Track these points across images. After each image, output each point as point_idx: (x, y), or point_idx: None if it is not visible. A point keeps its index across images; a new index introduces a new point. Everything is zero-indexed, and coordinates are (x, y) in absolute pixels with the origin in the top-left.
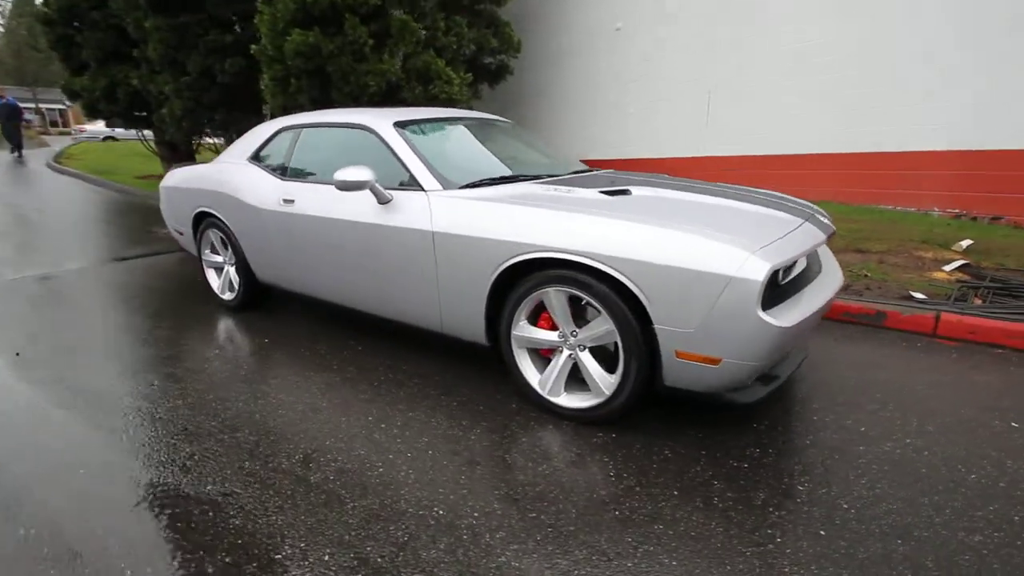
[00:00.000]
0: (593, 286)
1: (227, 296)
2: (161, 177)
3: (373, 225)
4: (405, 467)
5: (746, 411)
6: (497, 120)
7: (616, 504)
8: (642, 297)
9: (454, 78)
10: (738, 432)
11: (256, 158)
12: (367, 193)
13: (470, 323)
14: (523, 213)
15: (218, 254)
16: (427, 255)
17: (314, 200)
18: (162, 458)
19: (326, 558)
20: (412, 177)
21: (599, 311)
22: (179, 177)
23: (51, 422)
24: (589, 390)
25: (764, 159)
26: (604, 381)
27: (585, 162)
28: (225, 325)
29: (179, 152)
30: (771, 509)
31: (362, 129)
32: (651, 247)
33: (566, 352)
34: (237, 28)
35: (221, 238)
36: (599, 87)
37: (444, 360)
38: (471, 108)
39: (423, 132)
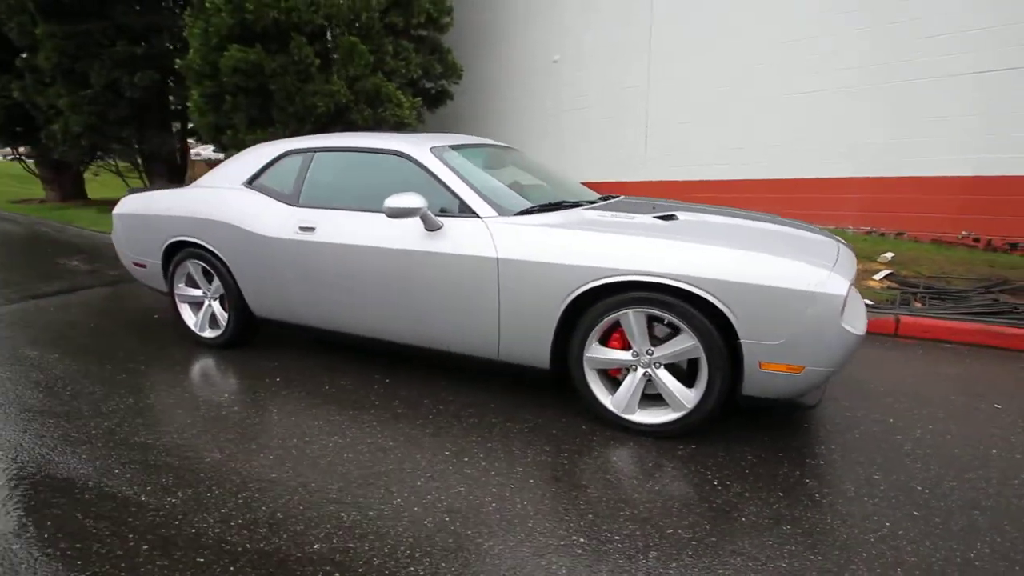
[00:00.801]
0: (676, 306)
1: (208, 333)
2: (42, 202)
3: (421, 253)
4: (517, 499)
5: (808, 411)
6: (508, 146)
7: (737, 511)
8: (730, 314)
9: (404, 101)
10: (796, 433)
11: (254, 183)
12: (408, 220)
13: (534, 348)
14: (600, 239)
15: (196, 287)
16: (488, 282)
17: (341, 227)
18: (242, 520)
19: None
20: (464, 204)
21: (678, 329)
22: (141, 203)
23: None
24: (660, 406)
25: (700, 184)
26: (684, 395)
27: None
28: (217, 366)
29: (64, 174)
30: (865, 499)
31: (396, 155)
32: (740, 268)
33: (641, 370)
34: (145, 40)
35: (203, 269)
36: (537, 115)
37: (485, 387)
38: (417, 131)
39: (458, 158)
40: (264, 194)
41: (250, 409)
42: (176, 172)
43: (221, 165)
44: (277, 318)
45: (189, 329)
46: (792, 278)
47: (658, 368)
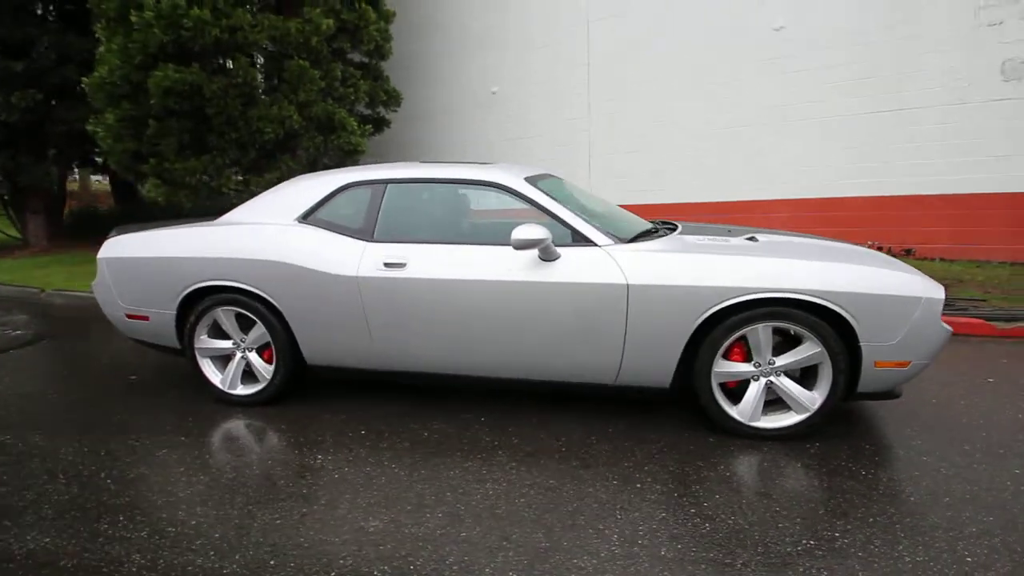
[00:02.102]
0: (803, 318)
1: (241, 390)
2: None
3: (545, 284)
4: (725, 515)
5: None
6: (553, 174)
7: (916, 496)
8: (853, 322)
9: (356, 128)
10: (874, 424)
11: (310, 218)
12: (519, 252)
13: (658, 369)
14: (727, 261)
15: (224, 338)
16: (616, 309)
17: (437, 262)
18: None
19: None
20: (577, 233)
21: (798, 339)
22: (144, 244)
23: None
24: (780, 411)
25: (643, 207)
26: (809, 399)
27: None
28: (275, 428)
29: None
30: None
31: (494, 187)
32: (862, 281)
33: (763, 380)
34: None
35: (237, 315)
36: (481, 144)
37: (581, 414)
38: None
39: (549, 188)
40: (327, 230)
41: (364, 468)
42: (55, 206)
43: (256, 200)
44: (337, 364)
45: (214, 388)
46: (905, 287)
47: (779, 376)
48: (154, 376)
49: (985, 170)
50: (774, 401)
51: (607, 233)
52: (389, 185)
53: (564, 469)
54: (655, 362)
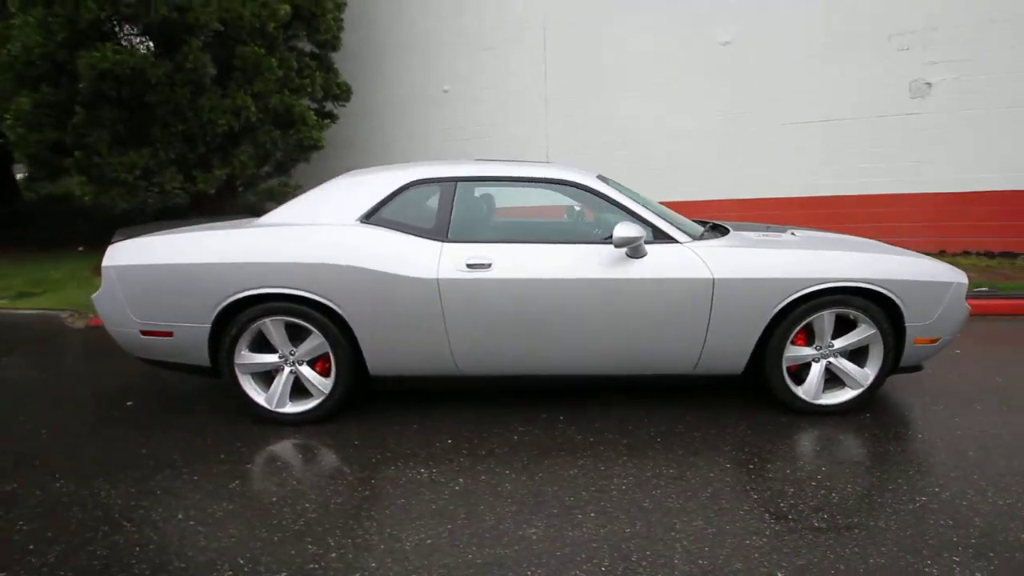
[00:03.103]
0: (860, 303)
1: (291, 408)
2: None
3: (635, 280)
4: (838, 482)
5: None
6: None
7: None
8: (901, 305)
9: (316, 122)
10: (889, 391)
11: (374, 218)
12: (600, 249)
13: (735, 356)
14: (795, 254)
15: (269, 352)
16: (702, 301)
17: (523, 262)
18: None
19: None
20: (658, 231)
21: (857, 322)
22: (168, 249)
23: None
24: (835, 388)
25: None
26: (862, 375)
27: None
28: (351, 447)
29: None
30: None
31: (568, 185)
32: (906, 270)
33: (823, 361)
34: None
35: (287, 325)
36: (427, 143)
37: (652, 404)
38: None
39: (618, 187)
40: (396, 230)
41: (480, 478)
42: None
43: (301, 200)
44: (406, 372)
45: (258, 407)
46: (940, 273)
47: (837, 357)
48: (154, 400)
49: (897, 174)
50: (829, 380)
51: (684, 230)
52: (459, 183)
53: (674, 458)
54: (733, 350)
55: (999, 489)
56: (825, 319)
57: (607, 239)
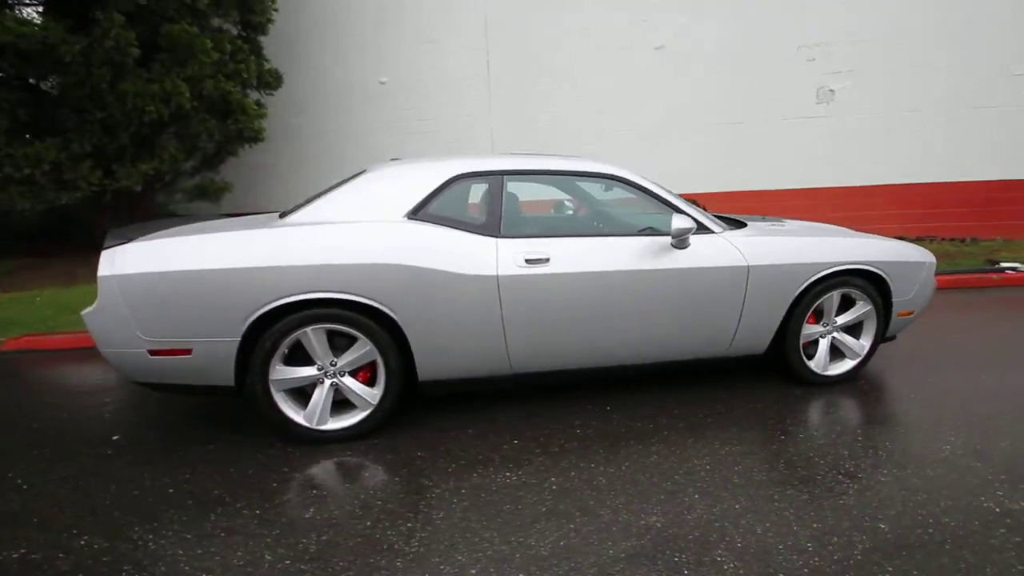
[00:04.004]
0: (860, 283)
1: (334, 423)
2: None
3: (684, 270)
4: (866, 440)
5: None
6: None
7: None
8: (890, 283)
9: (255, 111)
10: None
11: (421, 214)
12: (644, 240)
13: (761, 338)
14: (808, 242)
15: (307, 365)
16: (738, 287)
17: (579, 256)
18: None
19: None
20: (698, 223)
21: (855, 300)
22: (191, 255)
23: None
24: (839, 360)
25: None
26: (860, 347)
27: None
28: (414, 459)
29: None
30: None
31: (612, 179)
32: (893, 251)
33: (829, 337)
34: None
35: (328, 332)
36: (366, 136)
37: (681, 388)
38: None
39: (650, 182)
40: (446, 226)
41: (569, 474)
42: None
43: (335, 196)
44: (457, 375)
45: (297, 427)
46: (917, 254)
47: (839, 333)
48: (142, 431)
49: (807, 171)
50: (833, 353)
51: (715, 223)
52: (505, 177)
53: (734, 435)
54: (761, 331)
55: (993, 431)
56: (834, 298)
57: (644, 231)
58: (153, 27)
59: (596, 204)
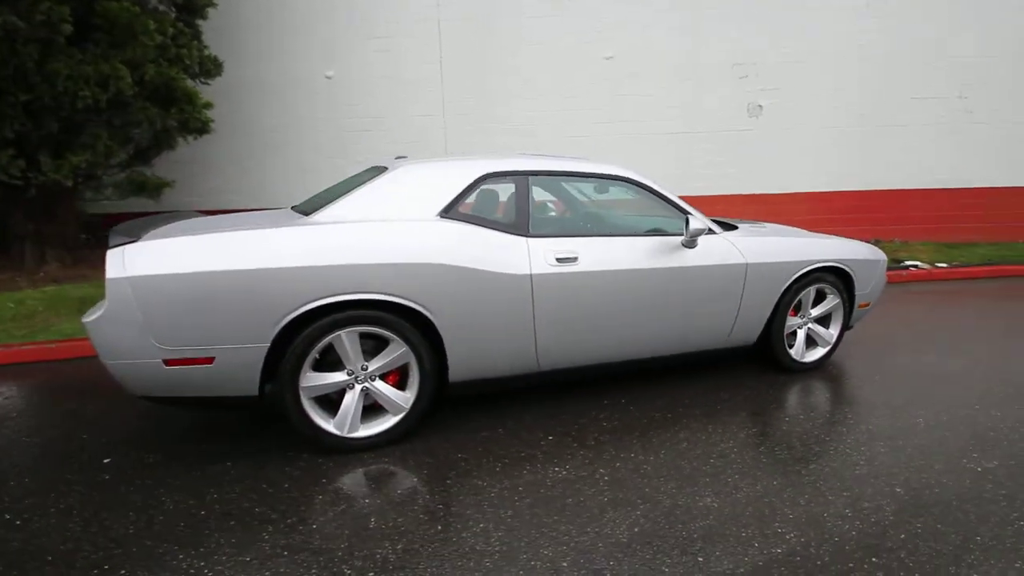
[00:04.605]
0: (830, 279)
1: (365, 431)
2: None
3: (697, 267)
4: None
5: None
6: None
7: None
8: (855, 279)
9: (201, 100)
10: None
11: (452, 212)
12: (656, 240)
13: (754, 328)
14: (793, 242)
15: (336, 371)
16: (737, 283)
17: (603, 254)
18: None
19: None
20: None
21: (826, 294)
22: (212, 253)
23: None
24: (816, 347)
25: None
26: (829, 336)
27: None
28: (459, 460)
29: None
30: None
31: (623, 181)
32: (857, 251)
33: (805, 328)
34: None
35: (361, 335)
36: (313, 133)
37: (674, 384)
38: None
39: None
40: (477, 225)
41: (614, 464)
42: None
43: (359, 194)
44: (488, 375)
45: (327, 436)
46: (873, 252)
47: (813, 324)
48: (131, 451)
49: (739, 179)
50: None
51: (715, 224)
52: (530, 177)
53: (746, 419)
54: (754, 323)
55: (950, 405)
56: (811, 293)
57: (651, 231)
58: (87, 3)
59: (597, 206)
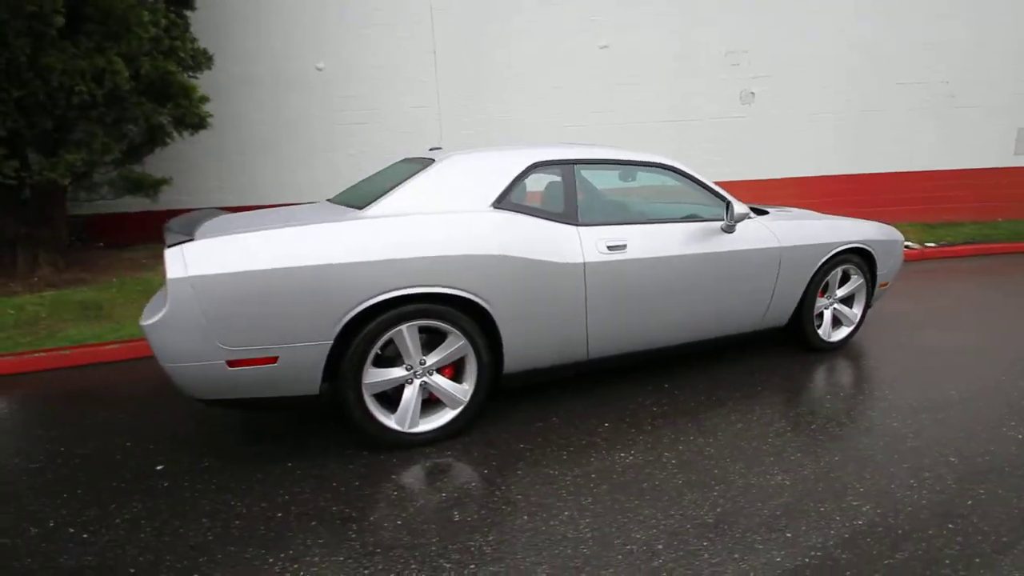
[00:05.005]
0: (855, 260)
1: (424, 426)
2: None
3: (733, 252)
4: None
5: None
6: None
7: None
8: (878, 259)
9: (196, 96)
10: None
11: (504, 203)
12: (698, 225)
13: (787, 310)
14: (822, 224)
15: (395, 366)
16: (773, 266)
17: (650, 241)
18: None
19: None
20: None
21: (850, 274)
22: (276, 248)
23: None
24: (840, 327)
25: None
26: (854, 316)
27: None
28: (527, 452)
29: None
30: None
31: (664, 168)
32: (876, 232)
33: (831, 308)
34: None
35: (423, 332)
36: (307, 127)
37: (702, 369)
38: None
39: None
40: (528, 215)
41: (675, 447)
42: None
43: (408, 186)
44: (540, 365)
45: (389, 433)
46: (893, 233)
47: (840, 304)
48: (184, 457)
49: (733, 164)
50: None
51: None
52: (576, 165)
53: (791, 399)
54: (786, 305)
55: (975, 377)
56: (839, 274)
57: (687, 218)
58: None
59: (635, 194)
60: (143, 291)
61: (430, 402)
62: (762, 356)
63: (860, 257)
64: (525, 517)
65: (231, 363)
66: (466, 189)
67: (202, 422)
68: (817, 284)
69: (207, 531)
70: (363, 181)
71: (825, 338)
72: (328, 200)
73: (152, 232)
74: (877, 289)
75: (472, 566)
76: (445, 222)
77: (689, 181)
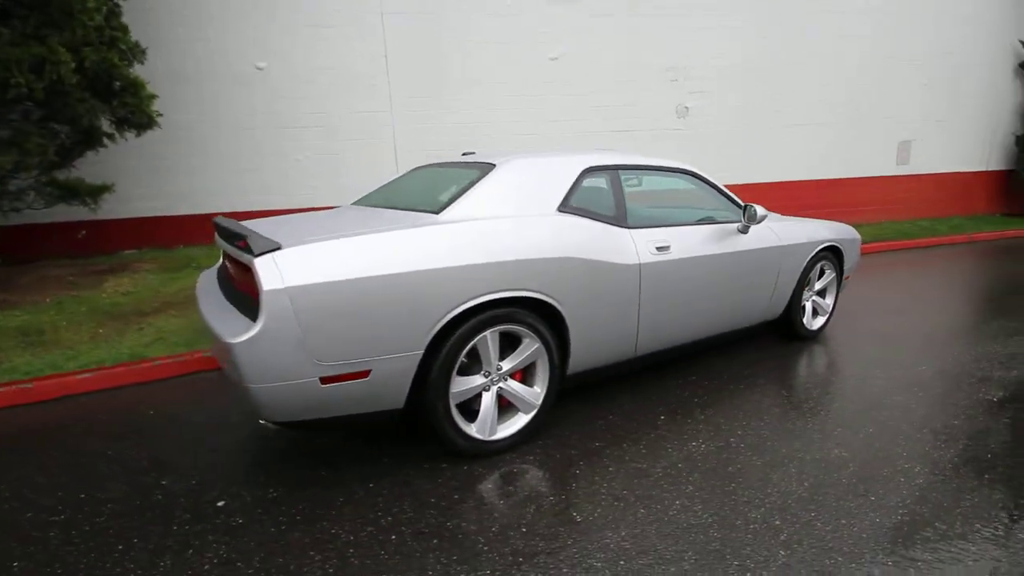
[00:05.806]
0: (829, 256)
1: (502, 432)
2: None
3: (750, 251)
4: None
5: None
6: None
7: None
8: (846, 255)
9: (145, 93)
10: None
11: (566, 207)
12: (720, 226)
13: (782, 304)
14: (807, 225)
15: (475, 373)
16: (775, 263)
17: (687, 243)
18: None
19: None
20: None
21: (825, 270)
22: (368, 256)
23: None
24: (817, 317)
25: None
26: (828, 306)
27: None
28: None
29: None
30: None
31: (685, 173)
32: (843, 231)
33: (811, 300)
34: None
35: (501, 335)
36: (248, 130)
37: (726, 357)
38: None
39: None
40: (587, 218)
41: (730, 439)
42: None
43: (473, 192)
44: (598, 365)
45: (472, 441)
46: (852, 232)
47: (818, 296)
48: (240, 489)
49: None
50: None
51: None
52: (619, 171)
53: (810, 381)
54: (782, 299)
55: (942, 354)
56: (818, 270)
57: (703, 220)
58: None
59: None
60: (89, 312)
61: (500, 408)
62: (755, 348)
63: (832, 253)
64: (643, 511)
65: (324, 379)
66: (531, 193)
67: (231, 451)
68: (804, 278)
69: (324, 564)
70: (393, 183)
71: (809, 327)
72: (354, 204)
73: (59, 246)
74: (843, 282)
75: (622, 562)
76: (522, 226)
77: (706, 186)
